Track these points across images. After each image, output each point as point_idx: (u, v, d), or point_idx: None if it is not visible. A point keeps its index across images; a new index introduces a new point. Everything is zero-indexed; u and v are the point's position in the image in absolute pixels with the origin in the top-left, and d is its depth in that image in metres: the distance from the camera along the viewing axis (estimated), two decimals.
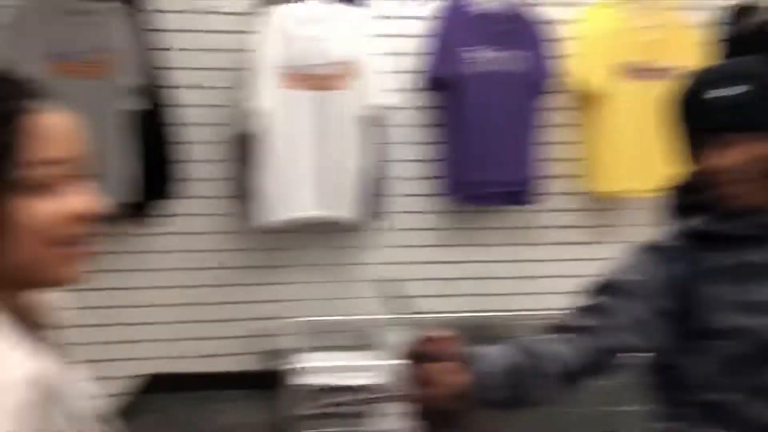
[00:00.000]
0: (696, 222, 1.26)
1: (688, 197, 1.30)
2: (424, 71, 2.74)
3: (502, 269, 2.89)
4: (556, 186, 2.89)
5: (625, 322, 1.21)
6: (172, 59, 2.65)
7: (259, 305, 2.76)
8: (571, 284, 2.76)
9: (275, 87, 2.60)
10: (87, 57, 2.47)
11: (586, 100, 2.84)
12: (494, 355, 1.15)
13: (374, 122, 2.69)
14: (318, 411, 2.05)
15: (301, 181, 2.64)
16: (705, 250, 1.23)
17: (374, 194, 2.73)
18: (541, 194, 2.79)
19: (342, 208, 2.67)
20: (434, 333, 1.06)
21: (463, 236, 2.90)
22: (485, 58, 2.72)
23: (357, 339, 2.77)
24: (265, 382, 2.26)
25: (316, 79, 2.63)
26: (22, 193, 0.68)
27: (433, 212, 2.88)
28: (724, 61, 1.29)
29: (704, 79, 1.23)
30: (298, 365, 1.80)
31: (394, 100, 2.68)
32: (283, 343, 2.56)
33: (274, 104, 2.60)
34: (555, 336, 1.22)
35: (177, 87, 2.65)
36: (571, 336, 1.21)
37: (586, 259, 2.90)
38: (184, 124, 2.56)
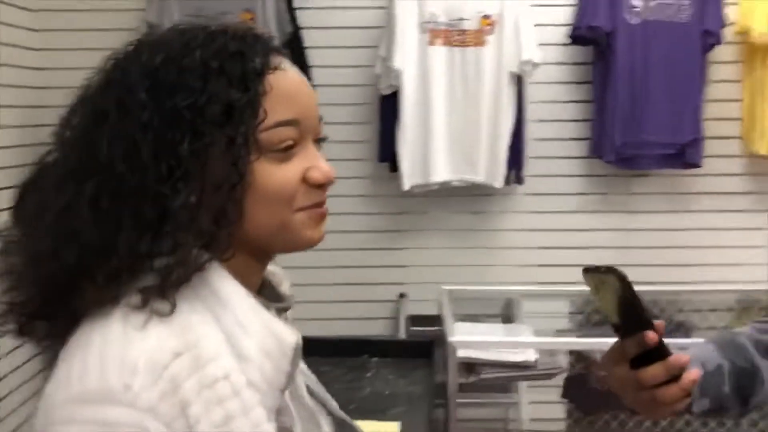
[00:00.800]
0: None
1: None
2: (576, 22, 2.55)
3: (656, 238, 2.68)
4: (718, 148, 2.63)
5: None
6: (310, 18, 2.59)
7: (405, 270, 2.71)
8: (735, 255, 2.61)
9: (419, 45, 2.50)
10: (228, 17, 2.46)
11: (755, 53, 2.56)
12: (700, 354, 0.99)
13: (519, 80, 2.54)
14: (467, 383, 1.97)
15: (446, 143, 2.53)
16: None
17: (520, 156, 2.59)
18: (702, 157, 2.56)
19: (487, 171, 2.55)
20: (658, 324, 0.85)
21: (611, 202, 2.71)
22: (646, 6, 2.49)
23: (499, 309, 2.68)
24: (408, 350, 2.20)
25: (462, 34, 2.50)
26: (269, 157, 0.66)
27: (581, 176, 2.70)
28: None
29: None
30: (449, 335, 1.73)
31: (540, 55, 2.51)
32: (429, 308, 2.50)
33: (419, 62, 2.50)
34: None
35: (315, 47, 2.60)
36: None
37: (750, 228, 2.65)
38: (323, 85, 2.50)
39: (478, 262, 2.72)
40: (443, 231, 2.73)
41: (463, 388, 1.77)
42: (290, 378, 0.66)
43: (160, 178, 0.61)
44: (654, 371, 0.85)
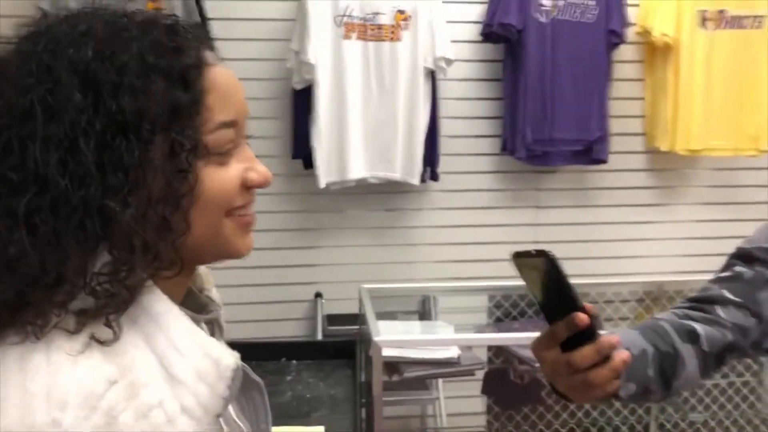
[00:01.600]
0: None
1: None
2: (488, 19, 2.57)
3: (565, 232, 2.75)
4: (627, 144, 2.73)
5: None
6: (219, 9, 2.49)
7: (322, 269, 2.66)
8: (641, 248, 2.71)
9: (333, 39, 2.45)
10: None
11: (662, 51, 2.66)
12: (626, 340, 0.98)
13: (435, 76, 2.54)
14: (390, 382, 1.95)
15: (361, 140, 2.50)
16: None
17: (434, 153, 2.59)
18: (611, 153, 2.64)
19: (402, 168, 2.53)
20: (587, 307, 0.84)
21: (524, 198, 2.76)
22: (555, 5, 2.54)
23: (411, 306, 2.67)
24: (328, 351, 2.16)
25: (374, 29, 2.47)
26: (206, 160, 0.60)
27: (491, 172, 2.73)
28: None
29: None
30: (374, 335, 1.70)
31: (454, 51, 2.52)
32: (348, 308, 2.45)
33: (332, 57, 2.45)
34: (692, 311, 1.09)
35: (225, 39, 2.50)
36: (719, 311, 1.08)
37: (655, 222, 2.76)
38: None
39: (395, 259, 2.70)
40: (359, 229, 2.69)
41: (385, 387, 1.74)
42: (227, 403, 0.60)
43: (107, 190, 0.54)
44: (585, 353, 0.84)
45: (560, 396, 0.94)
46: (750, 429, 2.42)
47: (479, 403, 2.45)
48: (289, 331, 2.62)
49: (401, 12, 2.46)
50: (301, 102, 2.50)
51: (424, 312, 2.65)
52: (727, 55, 2.59)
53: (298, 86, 2.48)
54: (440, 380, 2.37)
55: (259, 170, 0.64)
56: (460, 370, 1.96)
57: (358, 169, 2.51)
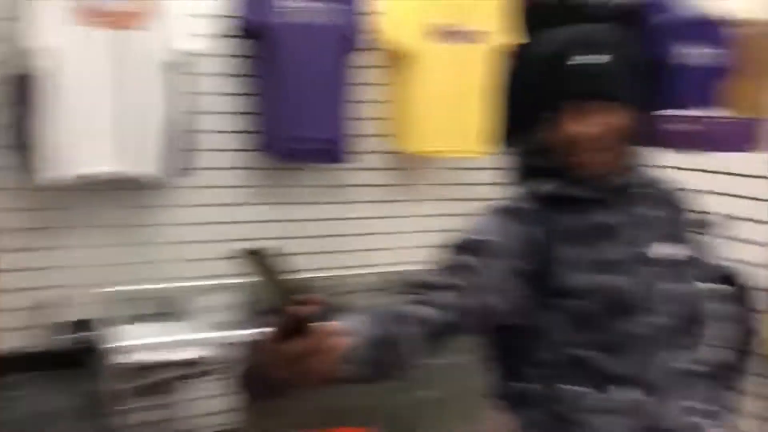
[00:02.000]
0: (548, 186, 1.28)
1: (534, 161, 1.32)
2: (236, 16, 2.55)
3: (312, 228, 2.83)
4: (368, 145, 2.87)
5: (486, 283, 1.21)
6: None
7: (45, 272, 2.42)
8: (385, 241, 2.87)
9: (62, 23, 2.25)
10: None
11: (397, 59, 2.84)
12: (353, 326, 1.08)
13: (179, 69, 2.45)
14: (132, 388, 1.85)
15: (93, 132, 2.32)
16: (557, 213, 1.26)
17: (179, 148, 2.49)
18: (353, 152, 2.76)
19: (142, 163, 2.41)
20: (305, 299, 0.90)
21: (274, 194, 2.78)
22: (297, 7, 2.60)
23: (161, 307, 2.56)
24: (59, 361, 1.99)
25: (112, 15, 2.32)
26: None
27: (242, 168, 2.72)
28: (583, 28, 1.30)
29: (569, 45, 1.24)
30: (107, 340, 1.60)
31: (201, 45, 2.46)
32: (78, 314, 2.27)
33: (61, 42, 2.25)
34: (415, 296, 1.20)
35: None
36: (434, 295, 1.19)
37: (396, 216, 2.95)
38: None
39: (134, 259, 2.55)
40: (96, 228, 2.51)
41: (127, 394, 1.65)
42: None
43: None
44: (300, 342, 0.89)
45: (290, 385, 0.97)
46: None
47: (231, 401, 2.41)
48: (11, 343, 2.35)
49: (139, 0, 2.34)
50: (20, 90, 2.26)
51: (167, 313, 2.55)
52: (455, 65, 2.84)
53: (23, 72, 2.24)
54: (184, 382, 2.30)
55: None
56: (204, 369, 1.92)
57: (93, 163, 2.33)
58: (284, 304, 0.88)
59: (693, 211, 1.41)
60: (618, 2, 2.74)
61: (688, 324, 1.29)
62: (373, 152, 2.90)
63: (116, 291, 2.35)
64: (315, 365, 0.90)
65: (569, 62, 1.21)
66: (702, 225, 1.65)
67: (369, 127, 2.87)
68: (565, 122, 1.23)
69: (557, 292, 1.22)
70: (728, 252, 2.20)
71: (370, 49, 2.78)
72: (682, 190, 1.42)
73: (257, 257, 0.89)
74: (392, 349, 1.14)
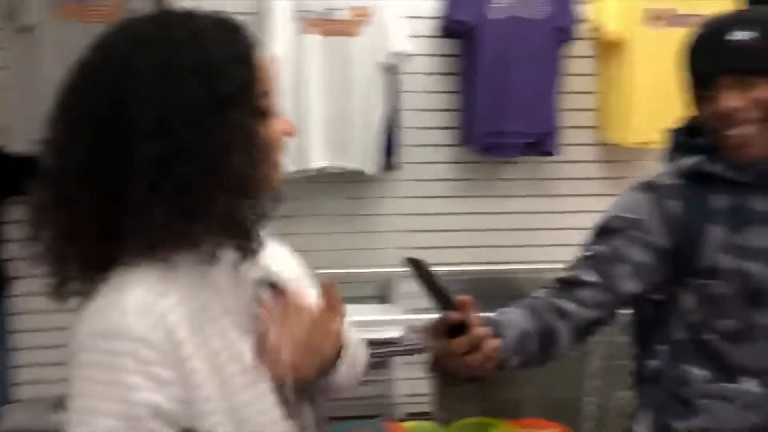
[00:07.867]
0: (691, 160, 1.25)
1: (688, 138, 1.29)
2: (443, 16, 2.67)
3: (518, 221, 2.87)
4: (575, 137, 2.84)
5: (625, 271, 1.24)
6: (181, 4, 2.57)
7: None
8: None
9: (290, 32, 2.54)
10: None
11: (607, 48, 2.78)
12: (512, 320, 1.20)
13: (390, 70, 2.64)
14: None
15: (313, 130, 2.60)
16: (703, 190, 1.23)
17: (389, 144, 2.69)
18: (560, 145, 2.75)
19: (355, 158, 2.64)
20: (459, 302, 1.04)
21: (479, 187, 2.87)
22: (507, 2, 2.65)
23: (372, 291, 2.78)
24: None
25: (332, 24, 2.57)
26: (261, 119, 0.86)
27: (448, 162, 2.84)
28: (743, 8, 1.26)
29: (725, 22, 1.21)
30: None
31: (410, 46, 2.62)
32: None
33: (289, 50, 2.54)
34: (561, 292, 1.26)
35: None
36: (577, 291, 1.25)
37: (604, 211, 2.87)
38: None
39: (355, 246, 2.80)
40: (317, 216, 2.78)
41: None
42: None
43: None
44: (459, 342, 1.04)
45: (441, 375, 1.13)
46: None
47: (424, 386, 2.54)
48: None
49: (357, 8, 2.56)
50: None
51: (383, 296, 2.76)
52: (672, 52, 2.69)
53: None
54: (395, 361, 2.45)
55: (288, 122, 0.94)
56: (404, 350, 2.04)
57: (317, 158, 2.61)
58: (444, 308, 1.03)
59: None
60: None
61: None
62: (581, 144, 2.87)
63: (338, 273, 2.59)
64: (472, 361, 1.05)
65: (725, 38, 1.18)
66: None
67: (577, 119, 2.83)
68: (720, 97, 1.19)
69: (695, 272, 1.21)
70: None
71: (580, 39, 2.75)
72: None
73: (417, 265, 1.02)
74: (551, 340, 1.21)
